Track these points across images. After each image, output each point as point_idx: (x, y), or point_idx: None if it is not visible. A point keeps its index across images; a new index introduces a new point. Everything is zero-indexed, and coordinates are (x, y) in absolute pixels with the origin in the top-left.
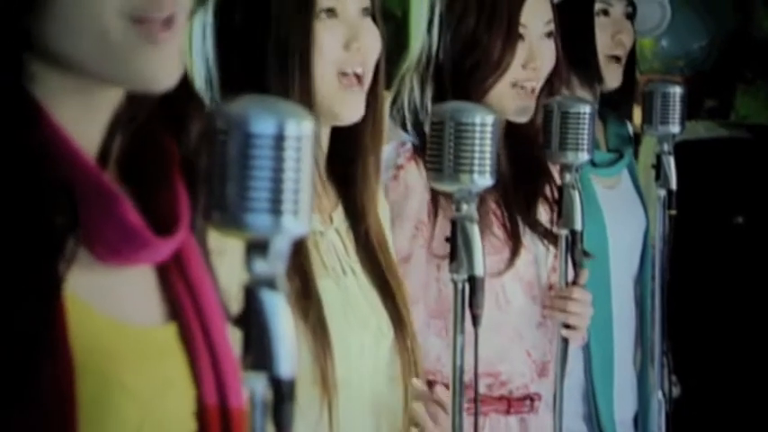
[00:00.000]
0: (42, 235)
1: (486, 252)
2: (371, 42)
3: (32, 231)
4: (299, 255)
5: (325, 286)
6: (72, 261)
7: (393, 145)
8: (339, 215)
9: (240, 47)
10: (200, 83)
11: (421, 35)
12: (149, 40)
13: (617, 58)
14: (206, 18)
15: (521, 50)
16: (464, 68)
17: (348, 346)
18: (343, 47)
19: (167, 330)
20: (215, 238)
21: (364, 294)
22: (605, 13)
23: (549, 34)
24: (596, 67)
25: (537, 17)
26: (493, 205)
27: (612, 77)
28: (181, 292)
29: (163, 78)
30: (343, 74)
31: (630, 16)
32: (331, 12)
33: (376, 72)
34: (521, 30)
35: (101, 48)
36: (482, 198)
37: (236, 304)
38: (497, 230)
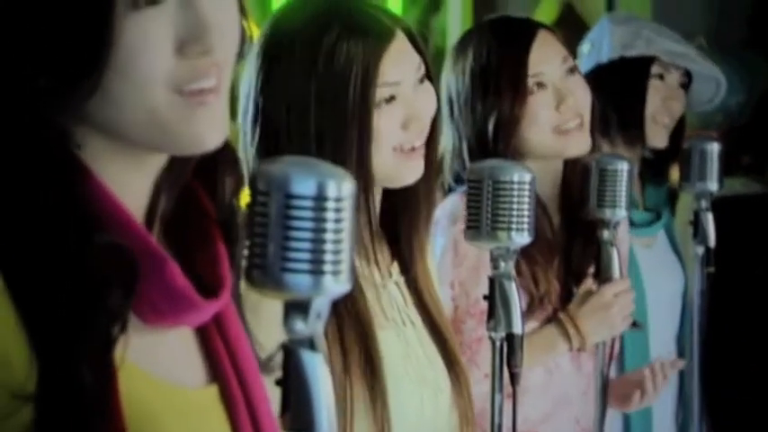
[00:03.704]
0: (95, 298)
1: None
2: (427, 110)
3: (85, 294)
4: (360, 307)
5: (386, 338)
6: (125, 323)
7: (458, 195)
8: (396, 268)
9: (294, 131)
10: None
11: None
12: (196, 104)
13: (663, 123)
14: (254, 95)
15: (547, 95)
16: (493, 139)
17: (406, 400)
18: (402, 127)
19: (210, 392)
20: (249, 294)
21: (423, 347)
22: (661, 77)
23: (571, 70)
24: (641, 129)
25: (551, 59)
26: (555, 281)
27: (657, 138)
28: (221, 352)
29: (210, 139)
30: (401, 150)
31: (685, 86)
32: (391, 98)
33: (431, 129)
34: (539, 78)
35: (149, 121)
36: (534, 269)
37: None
38: (554, 301)
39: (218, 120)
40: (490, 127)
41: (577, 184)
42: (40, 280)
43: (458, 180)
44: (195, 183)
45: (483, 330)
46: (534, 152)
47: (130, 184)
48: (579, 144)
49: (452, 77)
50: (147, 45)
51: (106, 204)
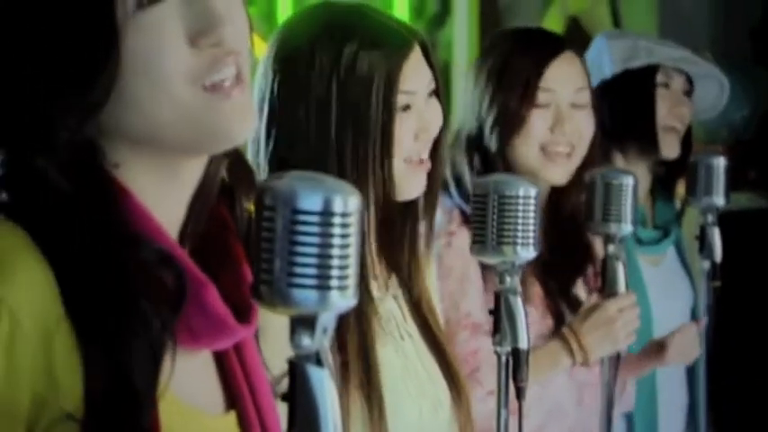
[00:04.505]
0: (146, 317)
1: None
2: (435, 124)
3: (136, 314)
4: (358, 321)
5: (384, 351)
6: (174, 342)
7: (440, 211)
8: (394, 282)
9: (314, 138)
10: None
11: (461, 112)
12: (222, 97)
13: (674, 129)
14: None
15: (547, 114)
16: (490, 132)
17: (406, 413)
18: (414, 137)
19: (229, 419)
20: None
21: (422, 361)
22: (666, 85)
23: (582, 104)
24: (654, 137)
25: (565, 82)
26: (537, 287)
27: (670, 148)
28: (239, 378)
29: (239, 131)
30: (410, 161)
31: (688, 93)
32: (407, 107)
33: (435, 143)
34: (548, 95)
35: (177, 118)
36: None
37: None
38: (538, 309)
39: (246, 112)
40: (489, 121)
41: (566, 196)
42: (97, 303)
43: (453, 182)
44: (219, 202)
45: (476, 343)
46: (518, 164)
47: (167, 201)
48: (560, 172)
49: (472, 73)
50: (159, 42)
51: (147, 225)
